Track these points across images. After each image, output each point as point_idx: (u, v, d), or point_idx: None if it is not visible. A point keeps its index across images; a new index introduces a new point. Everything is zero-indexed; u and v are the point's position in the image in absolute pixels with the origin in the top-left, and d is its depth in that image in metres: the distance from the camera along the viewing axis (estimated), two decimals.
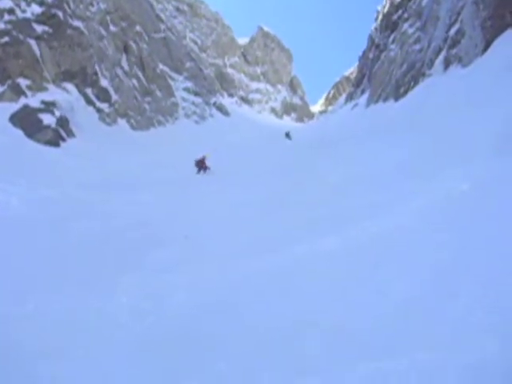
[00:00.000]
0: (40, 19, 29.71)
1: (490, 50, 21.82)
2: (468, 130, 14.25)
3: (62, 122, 25.30)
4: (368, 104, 46.66)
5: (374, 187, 12.84)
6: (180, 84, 59.46)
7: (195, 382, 5.05)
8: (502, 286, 5.18)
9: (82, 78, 32.48)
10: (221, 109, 70.07)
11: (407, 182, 11.77)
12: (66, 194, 15.23)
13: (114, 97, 36.51)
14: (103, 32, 39.39)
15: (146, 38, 50.26)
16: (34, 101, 25.47)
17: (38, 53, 28.46)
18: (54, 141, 23.35)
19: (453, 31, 27.32)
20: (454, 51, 26.64)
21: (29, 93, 26.60)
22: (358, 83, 66.03)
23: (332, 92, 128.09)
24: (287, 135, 44.97)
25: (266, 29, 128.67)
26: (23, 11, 29.09)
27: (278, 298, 6.81)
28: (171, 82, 56.03)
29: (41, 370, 5.29)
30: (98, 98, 34.01)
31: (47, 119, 24.05)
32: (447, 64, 27.24)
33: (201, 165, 25.10)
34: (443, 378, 4.03)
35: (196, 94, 61.79)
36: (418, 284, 5.99)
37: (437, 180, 10.70)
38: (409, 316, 5.33)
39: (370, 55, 60.08)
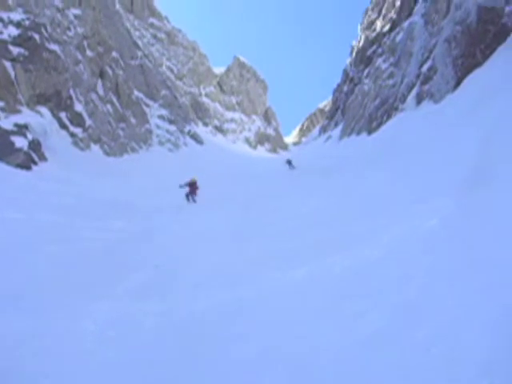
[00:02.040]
0: (16, 41, 29.54)
1: (460, 87, 22.38)
2: (439, 164, 14.51)
3: (35, 145, 25.00)
4: (341, 137, 47.23)
5: (345, 220, 12.95)
6: (155, 111, 59.53)
7: None
8: (465, 321, 5.25)
9: (56, 101, 32.27)
10: (195, 137, 70.22)
11: (378, 216, 11.88)
12: (36, 218, 14.99)
13: (88, 122, 36.32)
14: (79, 56, 39.35)
15: (123, 64, 50.36)
16: (6, 123, 25.14)
17: (12, 75, 28.22)
18: (26, 164, 23.03)
19: (425, 68, 28.00)
20: (426, 87, 27.24)
21: (1, 115, 26.27)
22: (332, 116, 67.01)
23: (306, 123, 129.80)
24: (289, 163, 43.84)
25: (242, 59, 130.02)
26: (0, 33, 28.95)
27: (244, 329, 6.81)
28: (146, 109, 56.05)
29: None
30: (71, 122, 33.78)
31: (19, 142, 23.74)
32: (419, 99, 27.82)
33: (194, 188, 24.21)
34: None
35: (170, 121, 61.83)
36: (383, 319, 6.04)
37: (407, 214, 10.86)
38: (371, 352, 5.35)
39: (344, 89, 61.13)
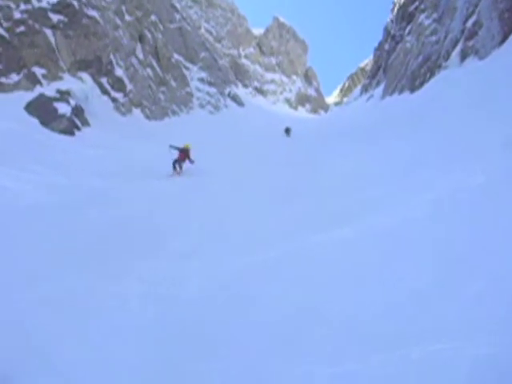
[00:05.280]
0: (56, 8, 29.83)
1: (507, 42, 21.58)
2: (483, 123, 14.12)
3: (77, 111, 25.43)
4: (383, 96, 46.29)
5: (387, 180, 12.80)
6: (195, 74, 59.42)
7: (203, 370, 5.10)
8: (510, 281, 5.14)
9: (97, 67, 32.56)
10: (235, 99, 69.98)
11: (420, 175, 11.70)
12: (81, 183, 15.33)
13: (129, 86, 36.56)
14: (118, 21, 39.39)
15: (161, 28, 50.25)
16: (49, 90, 25.60)
17: (53, 42, 28.59)
18: (69, 130, 23.48)
19: (470, 23, 27.01)
20: (470, 43, 26.35)
21: (44, 82, 26.77)
22: (374, 75, 65.61)
23: (347, 83, 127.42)
24: (287, 132, 42.33)
25: (281, 19, 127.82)
26: (39, 0, 29.21)
27: (291, 286, 6.83)
28: (186, 72, 56.01)
29: (55, 353, 5.36)
30: (112, 87, 34.09)
31: (62, 108, 24.17)
32: (464, 56, 26.95)
33: (183, 156, 21.32)
34: (455, 368, 4.01)
35: (210, 84, 61.72)
36: (428, 275, 5.96)
37: (449, 173, 10.63)
38: (419, 307, 5.31)
39: (386, 47, 59.60)
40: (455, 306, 5.04)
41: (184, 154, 21.35)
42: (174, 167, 20.97)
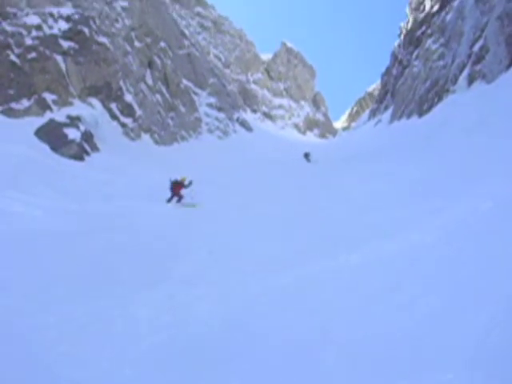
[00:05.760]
0: (66, 35, 30.26)
1: None
2: (491, 147, 14.10)
3: (87, 136, 25.59)
4: (391, 120, 46.40)
5: (397, 204, 12.74)
6: (203, 99, 59.81)
7: None
8: None
9: (106, 93, 32.87)
10: (244, 124, 70.30)
11: (428, 200, 11.66)
12: (91, 207, 15.36)
13: (138, 112, 36.81)
14: (128, 48, 39.87)
15: (171, 54, 50.75)
16: (59, 115, 25.79)
17: (64, 68, 28.91)
18: (79, 155, 23.59)
19: (477, 47, 27.15)
20: (477, 67, 26.44)
21: (54, 107, 27.01)
22: (382, 99, 65.87)
23: (355, 108, 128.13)
24: (306, 156, 41.92)
25: (289, 45, 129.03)
26: (50, 27, 29.65)
27: (298, 313, 6.77)
28: (195, 98, 56.39)
29: (62, 375, 5.33)
30: (122, 112, 34.34)
31: (72, 134, 24.32)
32: (471, 80, 27.03)
33: (178, 189, 20.45)
34: None
35: (219, 109, 62.06)
36: (439, 302, 5.89)
37: (458, 198, 10.60)
38: (428, 333, 5.26)
39: (394, 71, 59.98)
40: (465, 333, 4.98)
41: (180, 186, 20.61)
42: (171, 199, 20.32)
